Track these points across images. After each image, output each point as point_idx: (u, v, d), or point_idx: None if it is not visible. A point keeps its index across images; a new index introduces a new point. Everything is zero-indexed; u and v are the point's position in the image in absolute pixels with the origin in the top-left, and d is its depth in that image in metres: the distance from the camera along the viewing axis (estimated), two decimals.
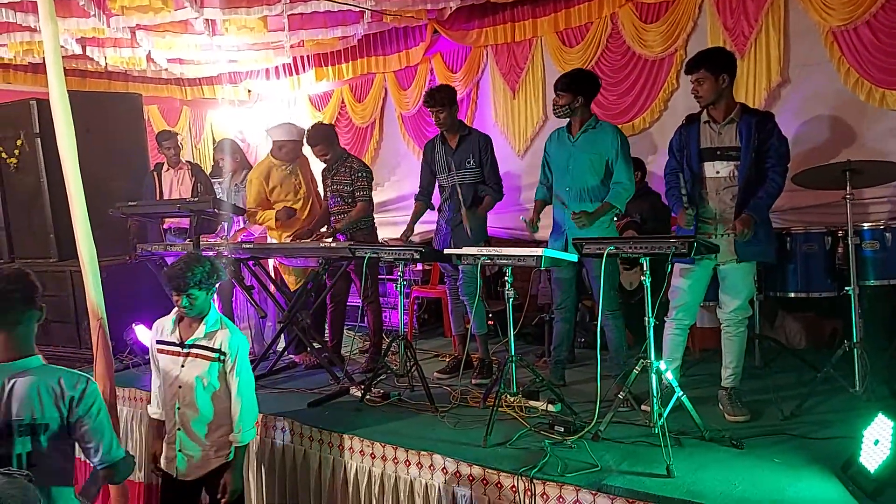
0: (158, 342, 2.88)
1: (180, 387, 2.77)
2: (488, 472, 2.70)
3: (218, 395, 2.79)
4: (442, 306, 5.47)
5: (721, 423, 3.03)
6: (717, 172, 3.20)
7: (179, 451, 2.79)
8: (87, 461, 2.04)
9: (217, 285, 2.81)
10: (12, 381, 1.88)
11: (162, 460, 2.88)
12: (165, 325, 2.88)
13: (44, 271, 5.12)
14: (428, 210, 4.36)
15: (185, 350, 2.78)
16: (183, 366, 2.77)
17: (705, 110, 3.23)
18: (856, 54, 4.06)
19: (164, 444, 2.88)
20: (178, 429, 2.79)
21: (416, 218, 4.29)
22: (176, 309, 2.82)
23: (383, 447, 3.05)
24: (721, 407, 3.19)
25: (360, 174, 4.42)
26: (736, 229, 3.04)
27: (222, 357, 2.76)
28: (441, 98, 3.97)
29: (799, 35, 4.32)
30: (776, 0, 4.32)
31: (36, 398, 1.88)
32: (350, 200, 4.43)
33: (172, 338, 2.82)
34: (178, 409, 2.78)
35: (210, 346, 2.77)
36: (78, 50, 5.76)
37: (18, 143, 5.11)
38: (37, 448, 1.88)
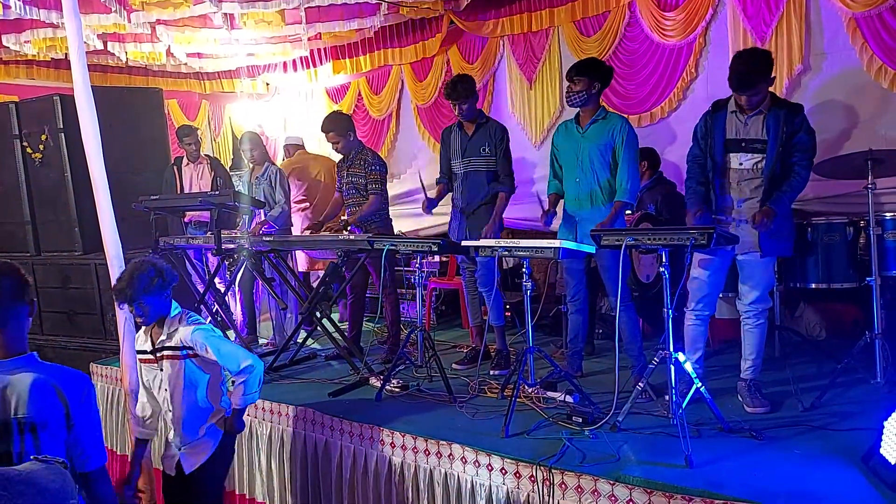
0: (138, 353, 2.87)
1: (166, 389, 2.78)
2: (507, 462, 2.72)
3: (206, 385, 2.81)
4: (459, 298, 5.50)
5: (741, 415, 3.03)
6: (741, 164, 3.14)
7: (179, 448, 2.82)
8: (75, 465, 1.94)
9: (169, 286, 2.72)
10: (8, 378, 1.84)
11: (160, 462, 2.90)
12: (139, 336, 2.87)
13: (69, 264, 5.24)
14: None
15: (158, 355, 2.78)
16: (162, 369, 2.79)
17: (733, 99, 3.15)
18: (880, 41, 3.99)
19: (163, 447, 2.91)
20: (173, 430, 2.83)
21: (438, 193, 4.27)
22: None
23: (403, 437, 3.09)
24: (741, 398, 3.19)
25: (374, 167, 4.44)
26: (755, 220, 3.00)
27: (191, 351, 2.74)
28: (464, 90, 3.95)
29: (821, 22, 4.26)
30: None
31: (34, 396, 1.83)
32: (364, 193, 4.46)
33: (146, 346, 2.81)
34: (171, 412, 2.80)
35: (174, 345, 2.75)
36: (99, 45, 5.85)
37: (43, 137, 5.21)
38: (37, 448, 1.81)
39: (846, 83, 4.20)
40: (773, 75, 3.06)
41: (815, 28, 4.29)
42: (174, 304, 2.80)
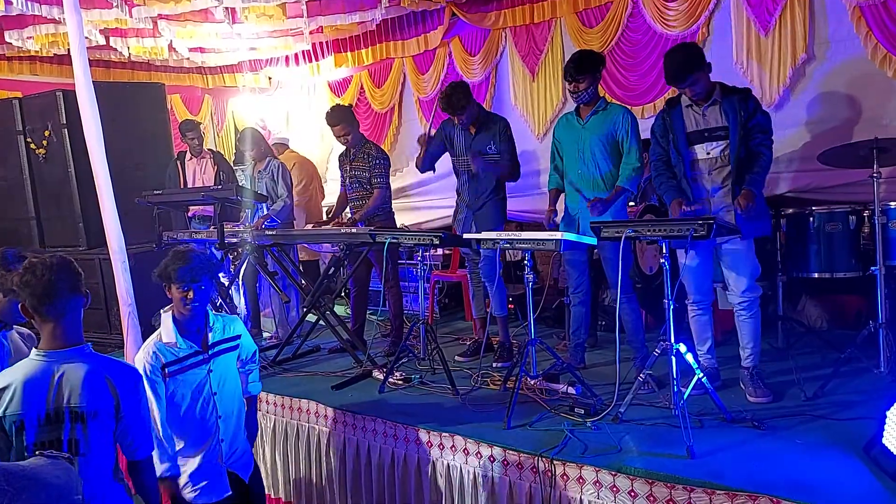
0: (167, 367, 2.50)
1: (215, 394, 2.58)
2: (509, 453, 2.73)
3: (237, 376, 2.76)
4: (462, 290, 5.50)
5: (744, 404, 3.03)
6: (709, 154, 3.21)
7: (225, 459, 2.62)
8: (124, 453, 2.06)
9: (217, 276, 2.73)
10: (63, 368, 1.91)
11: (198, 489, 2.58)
12: (166, 348, 2.51)
13: (73, 259, 5.27)
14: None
15: (210, 354, 2.59)
16: (211, 371, 2.58)
17: (685, 93, 3.21)
18: (884, 30, 3.96)
19: (201, 468, 2.57)
20: (222, 440, 2.60)
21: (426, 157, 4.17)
22: (164, 326, 2.54)
23: (406, 428, 3.11)
24: (743, 387, 3.19)
25: (377, 161, 4.44)
26: (740, 205, 3.01)
27: (237, 341, 2.72)
28: (457, 101, 3.86)
29: (825, 11, 4.22)
30: None
31: (87, 386, 1.90)
32: (368, 187, 4.46)
33: (187, 351, 2.54)
34: (222, 418, 2.60)
35: (230, 335, 2.68)
36: (101, 40, 5.85)
37: (46, 133, 5.23)
38: (85, 436, 1.91)
39: (851, 72, 4.17)
40: (706, 63, 3.12)
41: (820, 17, 4.25)
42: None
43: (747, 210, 3.00)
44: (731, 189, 3.13)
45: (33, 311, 1.93)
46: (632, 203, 4.12)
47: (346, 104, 6.68)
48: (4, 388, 1.87)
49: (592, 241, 3.21)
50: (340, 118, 4.41)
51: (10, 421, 1.85)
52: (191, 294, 2.47)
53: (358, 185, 4.51)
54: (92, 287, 5.17)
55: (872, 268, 3.22)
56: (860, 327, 3.29)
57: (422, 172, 4.31)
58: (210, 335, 2.62)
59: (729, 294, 3.26)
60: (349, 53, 6.89)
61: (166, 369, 2.50)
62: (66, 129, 5.13)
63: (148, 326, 3.21)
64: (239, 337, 2.75)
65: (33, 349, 1.98)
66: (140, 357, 2.52)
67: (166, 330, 2.53)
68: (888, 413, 2.37)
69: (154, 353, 2.50)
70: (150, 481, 2.14)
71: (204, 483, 2.56)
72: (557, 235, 3.09)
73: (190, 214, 5.46)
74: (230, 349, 2.70)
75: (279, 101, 8.00)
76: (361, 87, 7.08)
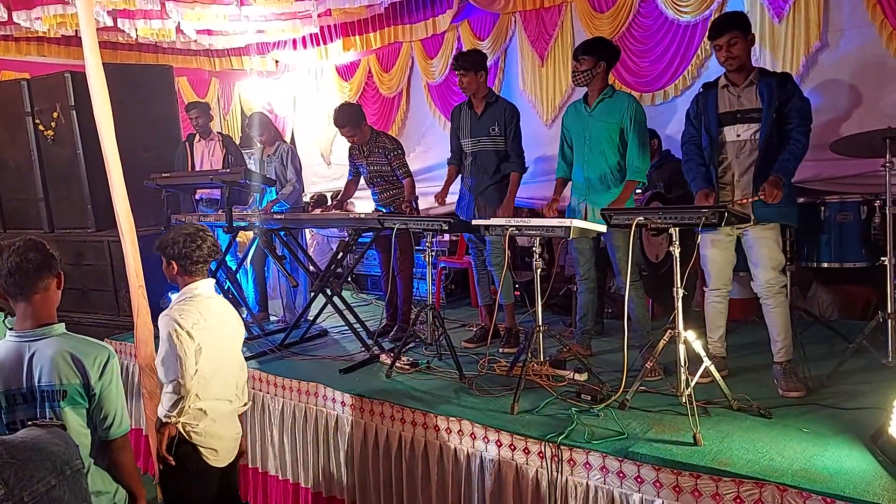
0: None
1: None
2: (516, 438, 2.75)
3: None
4: (468, 277, 5.50)
5: (775, 398, 2.98)
6: (738, 136, 3.15)
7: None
8: (99, 433, 2.05)
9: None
10: (34, 347, 1.93)
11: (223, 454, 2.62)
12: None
13: (82, 241, 5.29)
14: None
15: None
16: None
17: (723, 75, 3.18)
18: None
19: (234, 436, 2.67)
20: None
21: (450, 181, 4.27)
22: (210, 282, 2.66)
23: (413, 412, 3.12)
24: (775, 381, 3.11)
25: (395, 152, 4.44)
26: (765, 192, 2.95)
27: None
28: (465, 62, 3.93)
29: None
30: None
31: (57, 365, 1.92)
32: (392, 179, 4.46)
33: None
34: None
35: None
36: (109, 22, 5.82)
37: (55, 115, 5.22)
38: (58, 415, 1.92)
39: (864, 60, 4.13)
40: (750, 32, 3.11)
41: (834, 3, 4.20)
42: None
43: (772, 196, 2.93)
44: (755, 174, 3.07)
45: (5, 293, 1.96)
46: (638, 190, 4.10)
47: (354, 94, 6.69)
48: None
49: (602, 228, 3.21)
50: (346, 121, 4.37)
51: None
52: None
53: (380, 178, 4.50)
54: (100, 269, 5.23)
55: (882, 258, 3.21)
56: (869, 317, 3.28)
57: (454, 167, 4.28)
58: None
59: (753, 283, 3.21)
60: (357, 37, 6.86)
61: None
62: (74, 111, 5.13)
63: (156, 308, 3.22)
64: None
65: (8, 331, 2.00)
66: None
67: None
68: (895, 404, 2.37)
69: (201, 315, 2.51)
70: (126, 461, 2.11)
71: None
72: (567, 222, 3.08)
73: (197, 197, 5.47)
74: None
75: (286, 84, 7.98)
76: (369, 72, 7.05)
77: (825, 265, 3.74)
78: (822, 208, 3.69)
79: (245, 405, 2.76)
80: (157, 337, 2.59)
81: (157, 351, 2.56)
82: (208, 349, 2.49)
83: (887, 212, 3.22)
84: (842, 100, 4.19)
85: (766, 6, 4.38)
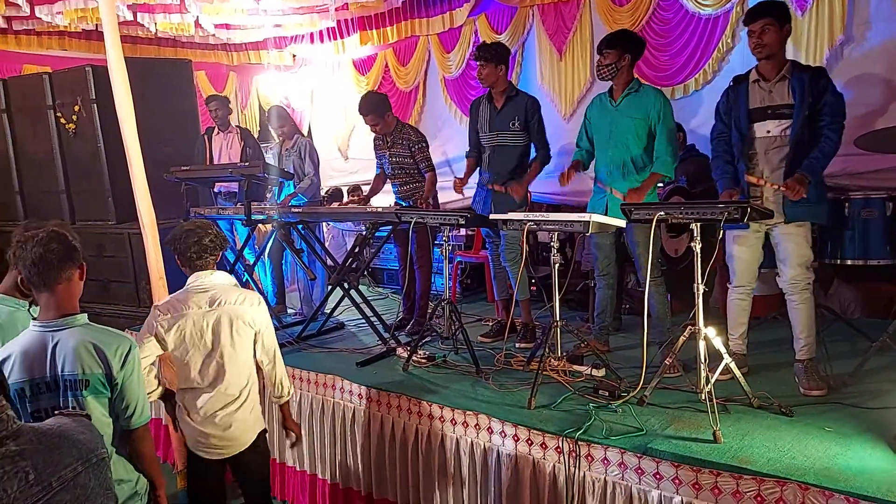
0: None
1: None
2: (533, 433, 2.74)
3: None
4: (484, 271, 5.50)
5: (796, 396, 2.95)
6: (768, 132, 3.07)
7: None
8: (121, 423, 2.07)
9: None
10: (57, 337, 1.96)
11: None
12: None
13: (103, 233, 5.35)
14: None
15: None
16: None
17: (754, 69, 3.10)
18: None
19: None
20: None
21: (469, 173, 4.25)
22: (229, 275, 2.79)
23: (430, 406, 3.13)
24: (797, 380, 3.08)
25: (419, 145, 4.41)
26: (787, 186, 2.90)
27: None
28: (487, 52, 3.89)
29: None
30: None
31: (80, 355, 1.94)
32: (414, 171, 4.45)
33: None
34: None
35: None
36: (129, 16, 5.87)
37: (76, 108, 5.28)
38: (81, 404, 1.95)
39: (890, 54, 4.05)
40: (787, 21, 3.02)
41: None
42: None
43: (796, 194, 2.87)
44: (786, 172, 3.00)
45: (29, 283, 1.98)
46: (659, 184, 4.06)
47: (373, 88, 6.67)
48: (5, 360, 1.93)
49: (622, 223, 3.18)
50: (369, 109, 4.34)
51: (13, 390, 1.89)
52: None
53: (401, 170, 4.49)
54: (121, 261, 5.28)
55: None
56: (892, 316, 3.23)
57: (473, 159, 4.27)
58: None
59: (778, 279, 3.15)
60: (374, 31, 6.85)
61: None
62: (95, 105, 5.17)
63: None
64: None
65: (32, 320, 2.02)
66: None
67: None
68: None
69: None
70: (146, 451, 2.14)
71: None
72: (586, 217, 3.06)
73: (215, 190, 5.51)
74: None
75: (304, 78, 8.00)
76: (386, 66, 7.05)
77: (848, 262, 3.68)
78: (847, 204, 3.64)
79: (280, 398, 2.88)
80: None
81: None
82: (177, 337, 2.57)
83: None
84: (874, 94, 4.11)
85: None
